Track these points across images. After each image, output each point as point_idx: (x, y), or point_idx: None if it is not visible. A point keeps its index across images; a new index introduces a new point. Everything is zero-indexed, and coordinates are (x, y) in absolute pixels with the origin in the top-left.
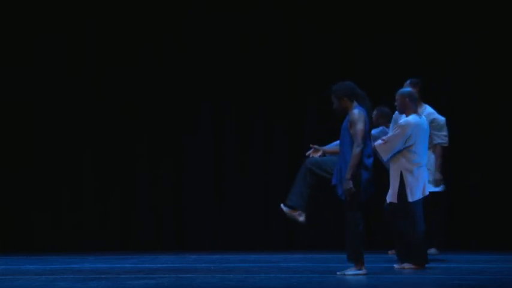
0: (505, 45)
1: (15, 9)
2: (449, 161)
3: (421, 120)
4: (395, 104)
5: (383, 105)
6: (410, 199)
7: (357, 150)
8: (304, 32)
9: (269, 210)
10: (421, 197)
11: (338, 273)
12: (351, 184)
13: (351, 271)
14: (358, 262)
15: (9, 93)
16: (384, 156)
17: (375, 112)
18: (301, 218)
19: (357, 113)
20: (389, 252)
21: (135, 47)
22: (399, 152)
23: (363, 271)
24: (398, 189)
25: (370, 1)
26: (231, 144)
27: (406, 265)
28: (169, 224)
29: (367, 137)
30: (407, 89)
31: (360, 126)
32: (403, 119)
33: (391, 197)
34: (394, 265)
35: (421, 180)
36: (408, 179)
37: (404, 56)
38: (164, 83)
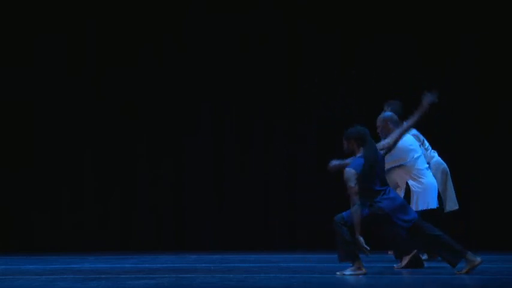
0: (505, 45)
1: (15, 9)
2: (450, 161)
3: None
4: (378, 130)
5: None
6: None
7: (353, 208)
8: (304, 32)
9: (269, 210)
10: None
11: (338, 273)
12: (361, 239)
13: (350, 271)
14: (354, 261)
15: (9, 93)
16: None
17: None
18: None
19: (347, 172)
20: (389, 252)
21: (135, 47)
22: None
23: (362, 271)
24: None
25: (370, 1)
26: (231, 144)
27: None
28: (169, 224)
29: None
30: (388, 113)
31: (351, 184)
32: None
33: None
34: (394, 265)
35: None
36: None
37: (404, 56)
38: (164, 83)
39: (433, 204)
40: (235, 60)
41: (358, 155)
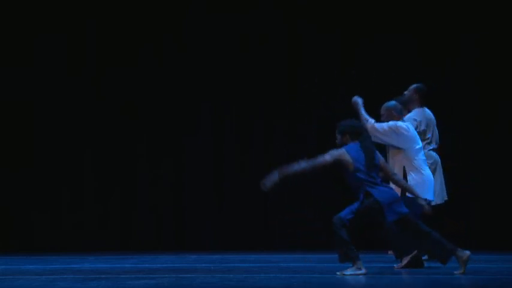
0: (505, 45)
1: (15, 9)
2: (449, 161)
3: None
4: (382, 118)
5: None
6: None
7: (299, 164)
8: (304, 32)
9: (269, 210)
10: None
11: (338, 273)
12: (274, 178)
13: (350, 271)
14: (354, 261)
15: (9, 93)
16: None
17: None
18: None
19: (337, 150)
20: (389, 252)
21: (135, 47)
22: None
23: (363, 271)
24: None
25: (370, 1)
26: (231, 144)
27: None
28: (169, 224)
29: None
30: (392, 102)
31: (326, 157)
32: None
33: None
34: (394, 265)
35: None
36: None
37: (404, 56)
38: (164, 83)
39: (430, 196)
40: (235, 60)
41: (353, 143)
